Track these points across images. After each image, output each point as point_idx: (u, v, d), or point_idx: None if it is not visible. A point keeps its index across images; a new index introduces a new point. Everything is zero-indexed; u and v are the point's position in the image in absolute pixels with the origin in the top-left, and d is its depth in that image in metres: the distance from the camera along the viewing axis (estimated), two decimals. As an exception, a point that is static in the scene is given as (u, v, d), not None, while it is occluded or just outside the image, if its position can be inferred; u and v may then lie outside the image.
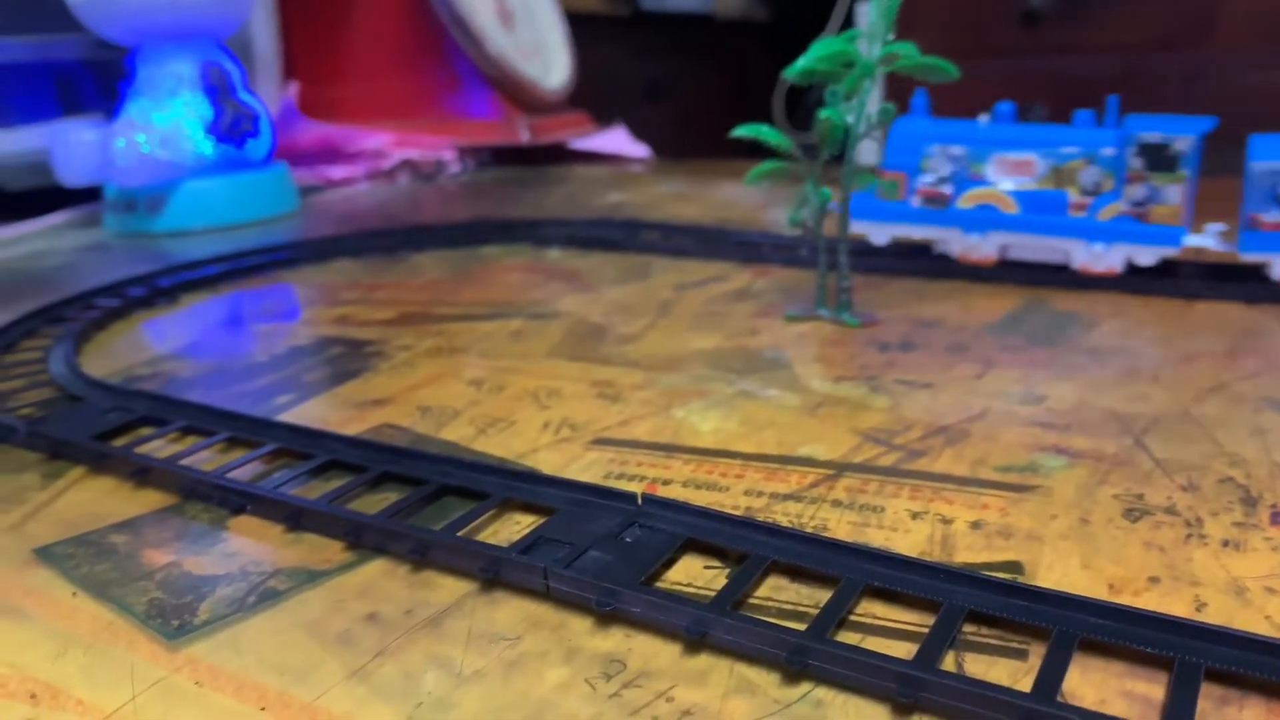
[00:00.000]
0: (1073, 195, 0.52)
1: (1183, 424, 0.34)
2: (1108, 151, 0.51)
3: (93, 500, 0.33)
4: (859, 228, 0.57)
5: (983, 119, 0.55)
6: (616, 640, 0.24)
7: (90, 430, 0.37)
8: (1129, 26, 1.12)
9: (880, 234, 0.58)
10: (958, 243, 0.56)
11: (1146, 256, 0.51)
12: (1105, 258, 0.52)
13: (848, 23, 1.33)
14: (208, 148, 0.82)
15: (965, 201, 0.55)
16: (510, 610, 0.25)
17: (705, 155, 1.14)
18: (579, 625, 0.24)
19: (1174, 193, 0.50)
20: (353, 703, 0.22)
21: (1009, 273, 0.54)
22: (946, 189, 0.55)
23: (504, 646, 0.23)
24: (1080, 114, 0.53)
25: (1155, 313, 0.47)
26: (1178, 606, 0.24)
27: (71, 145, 0.79)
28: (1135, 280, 0.51)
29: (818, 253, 0.48)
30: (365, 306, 0.56)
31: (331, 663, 0.23)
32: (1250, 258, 0.49)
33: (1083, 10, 1.14)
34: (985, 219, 0.54)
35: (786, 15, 1.77)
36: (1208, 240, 0.49)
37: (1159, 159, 0.50)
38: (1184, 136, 0.49)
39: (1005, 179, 0.54)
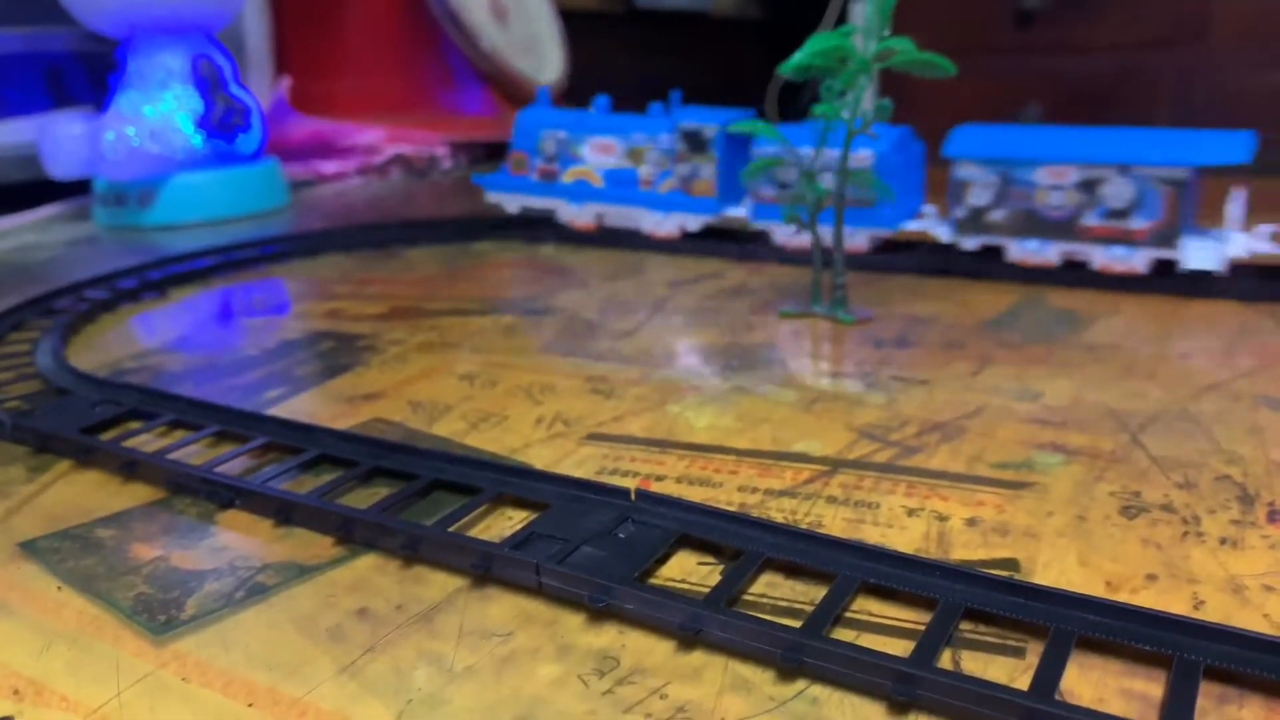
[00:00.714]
0: (642, 172, 0.65)
1: (1180, 421, 0.34)
2: (665, 138, 0.63)
3: (79, 494, 0.32)
4: (494, 199, 0.71)
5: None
6: (610, 637, 0.23)
7: (77, 424, 0.36)
8: (1124, 25, 1.12)
9: (512, 204, 0.70)
10: (565, 211, 0.68)
11: (693, 223, 0.64)
12: (665, 224, 0.65)
13: (842, 19, 1.32)
14: (198, 141, 0.81)
15: (567, 177, 0.67)
16: (502, 606, 0.25)
17: (699, 152, 1.14)
18: (572, 622, 0.24)
19: (708, 170, 0.62)
20: (343, 699, 0.21)
21: (1006, 269, 0.54)
22: (555, 166, 0.67)
23: (496, 643, 0.23)
24: (653, 106, 0.65)
25: (1153, 310, 0.47)
26: (1176, 604, 0.23)
27: (61, 138, 0.79)
28: (1134, 278, 0.50)
29: (813, 249, 0.48)
30: (357, 301, 0.56)
31: (321, 659, 0.23)
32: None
33: (1078, 9, 1.14)
34: (582, 191, 0.67)
35: (781, 12, 1.77)
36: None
37: (696, 143, 0.62)
38: (712, 125, 0.62)
39: (595, 158, 0.66)
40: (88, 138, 0.78)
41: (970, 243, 0.55)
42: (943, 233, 0.56)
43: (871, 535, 0.27)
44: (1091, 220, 0.52)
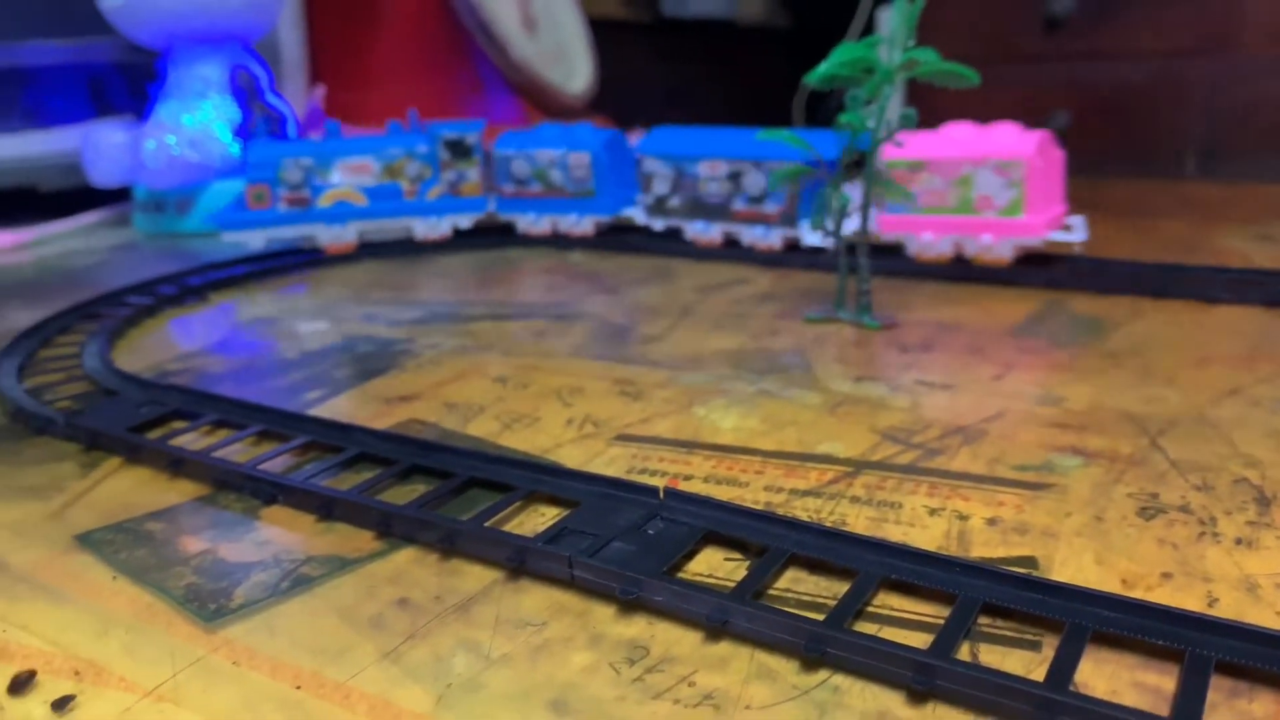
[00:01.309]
0: (404, 185, 0.70)
1: (1199, 426, 0.34)
2: (422, 149, 0.69)
3: (129, 489, 0.34)
4: (233, 238, 0.70)
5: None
6: (639, 627, 0.24)
7: (125, 423, 0.38)
8: (1154, 33, 1.12)
9: (256, 239, 0.69)
10: (324, 234, 0.70)
11: (465, 222, 0.72)
12: (439, 226, 0.71)
13: (868, 29, 1.33)
14: (236, 149, 0.83)
15: (324, 201, 0.69)
16: (536, 597, 0.26)
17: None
18: (603, 613, 0.25)
19: (474, 173, 0.71)
20: (385, 683, 0.22)
21: (1029, 276, 0.54)
22: (305, 193, 0.68)
23: (530, 632, 0.24)
24: (392, 124, 0.71)
25: (1174, 316, 0.47)
26: (1190, 602, 0.24)
27: (103, 146, 0.81)
28: (1153, 283, 0.51)
29: (838, 255, 0.49)
30: (392, 306, 0.57)
31: (364, 645, 0.24)
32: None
33: (1107, 16, 1.14)
34: (344, 212, 0.69)
35: (808, 21, 1.77)
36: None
37: (460, 150, 0.70)
38: (473, 132, 0.70)
39: (352, 179, 0.69)
40: (129, 146, 0.80)
41: (658, 224, 0.68)
42: (639, 216, 0.68)
43: (894, 534, 0.28)
44: (739, 205, 0.64)
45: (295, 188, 0.68)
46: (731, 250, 0.65)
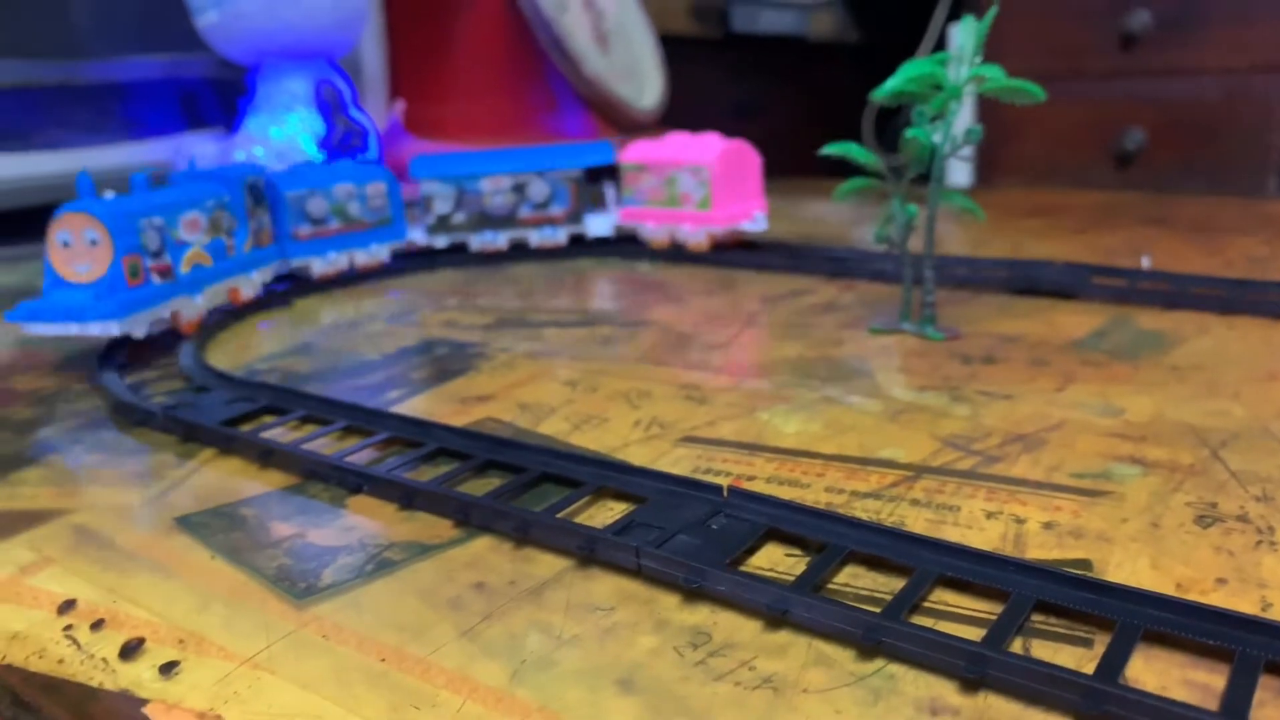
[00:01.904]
0: (226, 240, 0.58)
1: (1262, 439, 0.34)
2: (226, 197, 0.59)
3: (223, 478, 0.36)
4: (97, 328, 0.48)
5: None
6: (703, 615, 0.25)
7: (218, 417, 0.40)
8: (1233, 49, 1.10)
9: (138, 327, 0.50)
10: (188, 309, 0.54)
11: (266, 275, 0.63)
12: (254, 282, 0.61)
13: (940, 44, 1.33)
14: (320, 161, 0.86)
15: (185, 265, 0.54)
16: (605, 585, 0.27)
17: (794, 174, 1.15)
18: (668, 601, 0.26)
19: (267, 219, 0.64)
20: (463, 659, 0.24)
21: (1094, 291, 0.54)
22: (167, 260, 0.53)
23: (599, 616, 0.26)
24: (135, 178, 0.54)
25: (1242, 332, 0.47)
26: (1243, 606, 0.24)
27: (195, 158, 0.85)
28: (1220, 298, 0.51)
29: (903, 267, 0.50)
30: (467, 312, 0.59)
31: (443, 624, 0.26)
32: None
33: (1184, 31, 1.12)
34: (199, 278, 0.55)
35: (879, 37, 1.77)
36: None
37: (256, 193, 0.63)
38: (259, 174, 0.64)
39: (194, 237, 0.56)
40: (219, 157, 0.84)
41: (441, 241, 0.74)
42: (418, 236, 0.74)
43: (951, 535, 0.29)
44: (525, 212, 0.73)
45: (157, 253, 0.52)
46: (795, 260, 0.66)
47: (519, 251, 0.75)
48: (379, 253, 0.71)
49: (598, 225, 0.74)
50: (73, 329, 0.48)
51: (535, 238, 0.74)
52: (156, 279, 0.52)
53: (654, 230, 0.72)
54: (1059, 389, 0.40)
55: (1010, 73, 0.44)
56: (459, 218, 0.73)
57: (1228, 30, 1.10)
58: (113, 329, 0.48)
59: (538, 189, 0.72)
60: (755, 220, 0.70)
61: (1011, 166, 1.23)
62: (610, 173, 0.75)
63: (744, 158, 0.71)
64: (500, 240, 0.73)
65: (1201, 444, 0.34)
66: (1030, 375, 0.42)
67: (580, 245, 0.75)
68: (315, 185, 0.67)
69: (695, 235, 0.70)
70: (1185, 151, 1.13)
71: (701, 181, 0.68)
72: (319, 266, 0.67)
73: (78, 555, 0.30)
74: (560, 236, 0.74)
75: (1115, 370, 0.42)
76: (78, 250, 0.49)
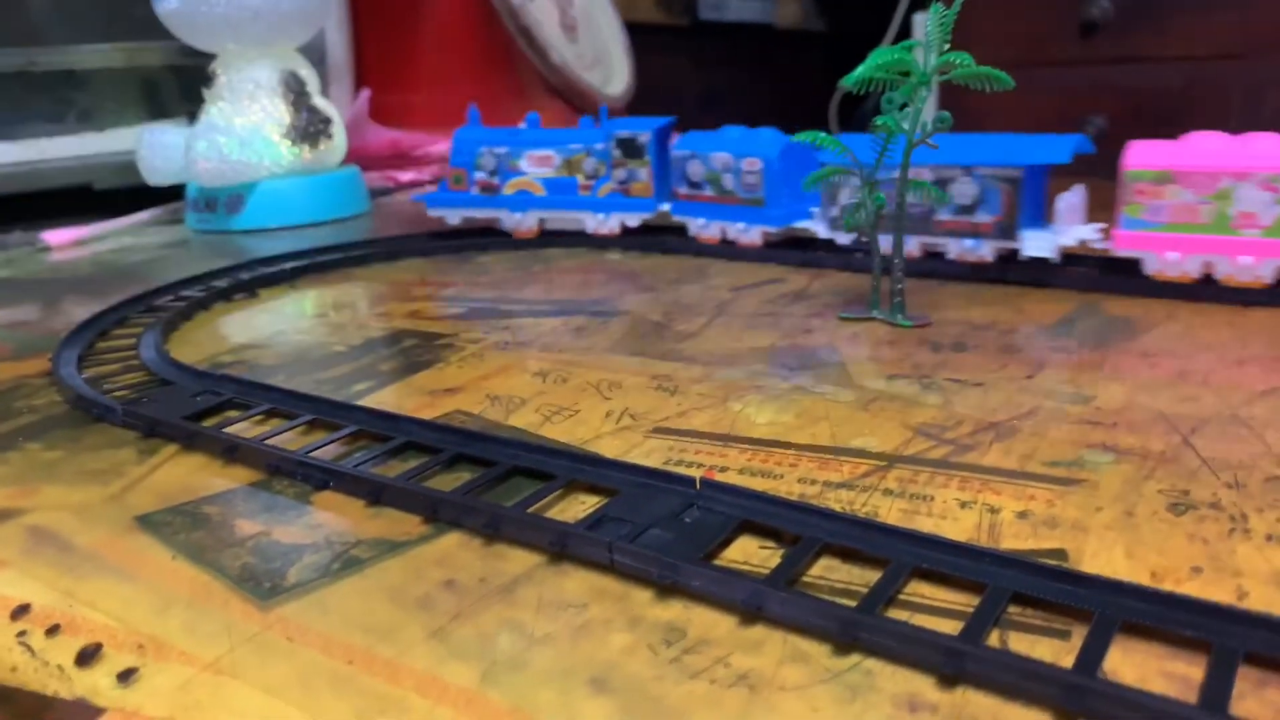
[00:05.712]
0: (580, 179, 0.71)
1: (1231, 425, 0.34)
2: (599, 146, 0.70)
3: (186, 475, 0.35)
4: (437, 213, 0.75)
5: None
6: (676, 611, 0.25)
7: (181, 411, 0.39)
8: (1192, 37, 1.11)
9: (453, 217, 0.75)
10: (508, 220, 0.74)
11: (633, 220, 0.71)
12: (607, 223, 0.72)
13: (904, 32, 1.33)
14: (283, 150, 0.85)
15: (509, 189, 0.73)
16: (577, 581, 0.27)
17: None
18: (641, 596, 0.26)
19: (643, 173, 0.70)
20: (432, 660, 0.23)
21: (1063, 278, 0.54)
22: (495, 180, 0.73)
23: (572, 613, 0.25)
24: (583, 120, 0.72)
25: (1209, 319, 0.47)
26: (1219, 595, 0.24)
27: (157, 147, 0.83)
28: (1188, 285, 0.51)
29: (872, 255, 0.50)
30: (435, 302, 0.58)
31: (412, 624, 0.25)
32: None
33: (1144, 20, 1.13)
34: (524, 200, 0.73)
35: (844, 25, 1.77)
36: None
37: (632, 149, 0.69)
38: (645, 132, 0.69)
39: (534, 170, 0.72)
40: (182, 147, 0.82)
41: (844, 238, 0.61)
42: (821, 229, 0.62)
43: (925, 525, 0.29)
44: (944, 215, 0.57)
45: (490, 173, 0.72)
46: (765, 250, 0.66)
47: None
48: (749, 234, 0.66)
49: (1037, 243, 0.54)
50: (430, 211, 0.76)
51: (955, 248, 0.57)
52: (475, 190, 0.74)
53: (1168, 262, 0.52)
54: (1030, 376, 0.40)
55: (975, 61, 0.44)
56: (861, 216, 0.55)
57: (1187, 17, 1.11)
58: (434, 213, 0.76)
59: (964, 189, 0.56)
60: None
61: (978, 154, 1.23)
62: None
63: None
64: (910, 245, 0.57)
65: (1172, 431, 0.34)
66: (1001, 363, 0.42)
67: (1010, 265, 0.57)
68: (697, 149, 0.68)
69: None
70: (1148, 138, 1.14)
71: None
72: (694, 228, 0.69)
73: (33, 557, 0.29)
74: (985, 251, 0.56)
75: (1085, 357, 0.42)
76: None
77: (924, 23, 0.44)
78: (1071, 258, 0.56)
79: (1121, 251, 0.52)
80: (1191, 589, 0.25)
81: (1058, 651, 0.23)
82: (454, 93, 1.11)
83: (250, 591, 0.27)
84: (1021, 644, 0.23)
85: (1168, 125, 1.14)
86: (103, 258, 0.79)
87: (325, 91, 0.92)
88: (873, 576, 0.26)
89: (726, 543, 0.28)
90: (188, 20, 0.82)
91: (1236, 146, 0.50)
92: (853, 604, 0.24)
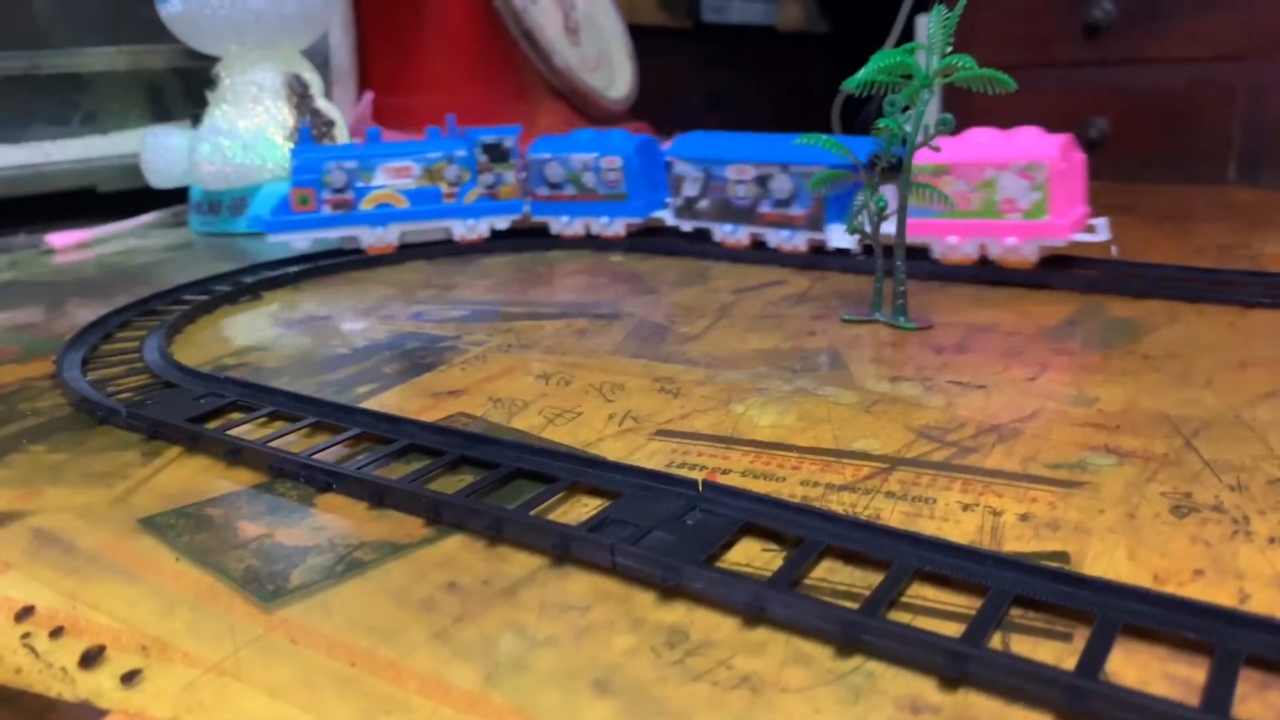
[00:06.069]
0: (444, 187, 0.71)
1: (1234, 427, 0.34)
2: (461, 154, 0.71)
3: (190, 477, 0.35)
4: (281, 238, 0.70)
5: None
6: (679, 613, 0.25)
7: (185, 414, 0.39)
8: (1196, 38, 1.11)
9: (301, 240, 0.71)
10: (367, 236, 0.71)
11: (502, 224, 0.74)
12: (477, 228, 0.73)
13: (907, 34, 1.33)
14: (287, 153, 0.85)
15: (367, 203, 0.70)
16: (580, 583, 0.27)
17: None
18: (644, 599, 0.26)
19: (510, 176, 0.72)
20: (435, 662, 0.24)
21: (1065, 280, 0.54)
22: (349, 196, 0.70)
23: (574, 615, 0.25)
24: (430, 130, 0.72)
25: (1211, 320, 0.47)
26: (1222, 597, 0.24)
27: (161, 149, 0.83)
28: (1189, 287, 0.51)
29: (875, 258, 0.50)
30: (439, 305, 0.58)
31: (415, 626, 0.25)
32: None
33: (1148, 22, 1.13)
34: (385, 214, 0.71)
35: (847, 27, 1.77)
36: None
37: (497, 154, 0.71)
38: (510, 136, 0.72)
39: (393, 181, 0.70)
40: (185, 149, 0.82)
41: (686, 226, 0.69)
42: (668, 217, 0.70)
43: (927, 528, 0.29)
44: (766, 208, 0.64)
45: (339, 190, 0.69)
46: (769, 253, 0.66)
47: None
48: (613, 225, 0.72)
49: (842, 236, 0.62)
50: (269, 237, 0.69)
51: (774, 238, 0.65)
52: (326, 209, 0.69)
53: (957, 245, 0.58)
54: (1032, 378, 0.40)
55: (977, 64, 0.44)
56: (704, 204, 0.67)
57: (1191, 19, 1.11)
58: (276, 239, 0.69)
59: (781, 184, 0.63)
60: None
61: (981, 156, 1.23)
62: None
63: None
64: (740, 234, 0.66)
65: (1175, 433, 0.34)
66: (1003, 365, 0.42)
67: (823, 255, 0.64)
68: (555, 152, 0.73)
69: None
70: (1148, 140, 1.14)
71: (1035, 185, 0.55)
72: (556, 226, 0.74)
73: (37, 559, 0.30)
74: (799, 241, 0.64)
75: (1088, 359, 0.42)
76: None
77: (927, 25, 0.44)
78: (1071, 259, 0.56)
79: (911, 239, 0.54)
80: (1194, 591, 0.25)
81: (1060, 654, 0.23)
82: (457, 96, 1.11)
83: (254, 593, 0.27)
84: (1023, 646, 0.23)
85: (1171, 126, 1.14)
86: (107, 260, 0.79)
87: (329, 94, 0.92)
88: (875, 579, 0.26)
89: (729, 545, 0.28)
90: (191, 23, 0.82)
91: (1002, 140, 0.56)
92: (855, 606, 0.24)
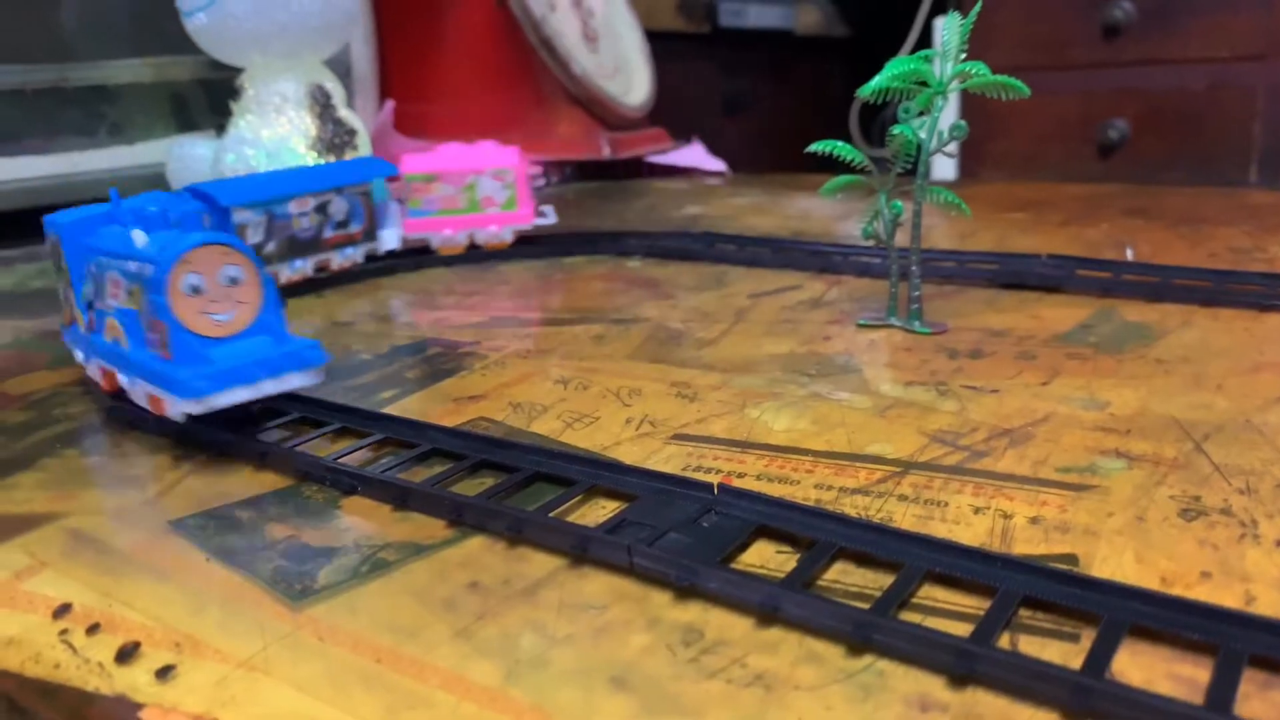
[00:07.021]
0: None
1: (1245, 432, 0.35)
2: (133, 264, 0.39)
3: (218, 480, 0.36)
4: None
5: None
6: (694, 613, 0.26)
7: (212, 419, 0.40)
8: (1216, 39, 1.10)
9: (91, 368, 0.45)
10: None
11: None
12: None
13: (925, 37, 1.33)
14: (311, 162, 0.86)
15: (108, 334, 0.42)
16: (597, 583, 0.27)
17: (781, 169, 1.16)
18: (660, 598, 0.26)
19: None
20: (457, 659, 0.24)
21: (1081, 284, 0.55)
22: (94, 315, 0.43)
23: (592, 614, 0.26)
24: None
25: (1225, 324, 0.48)
26: (1228, 600, 0.25)
27: (186, 159, 0.85)
28: (1205, 290, 0.51)
29: (890, 262, 0.50)
30: (459, 311, 0.59)
31: (437, 624, 0.26)
32: None
33: (1167, 23, 1.13)
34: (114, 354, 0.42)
35: (866, 32, 1.77)
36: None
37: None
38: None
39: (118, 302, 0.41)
40: (211, 159, 0.84)
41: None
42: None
43: (939, 530, 0.29)
44: (329, 233, 0.67)
45: (91, 303, 0.43)
46: (783, 256, 0.66)
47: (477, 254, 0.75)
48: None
49: (389, 239, 0.71)
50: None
51: (337, 259, 0.67)
52: (83, 330, 0.44)
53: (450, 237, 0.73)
54: (1045, 383, 0.41)
55: (995, 67, 0.44)
56: (270, 247, 0.63)
57: (1210, 20, 1.11)
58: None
59: (338, 206, 0.66)
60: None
61: (996, 160, 1.23)
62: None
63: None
64: (306, 266, 0.65)
65: (1185, 437, 0.35)
66: (1017, 369, 0.43)
67: (375, 261, 0.70)
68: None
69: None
70: (1168, 142, 1.14)
71: (506, 184, 0.73)
72: None
73: (73, 559, 0.31)
74: (358, 255, 0.69)
75: (1101, 363, 0.43)
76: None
77: (943, 29, 0.45)
78: (1084, 262, 0.56)
79: (411, 235, 0.72)
80: (1201, 594, 0.25)
81: (1066, 653, 0.23)
82: (477, 104, 1.13)
83: (282, 593, 0.28)
84: (1031, 646, 0.23)
85: (1191, 128, 1.14)
86: (134, 268, 0.80)
87: (351, 104, 0.93)
88: (886, 580, 0.26)
89: (744, 547, 0.29)
90: (216, 35, 0.83)
91: (474, 152, 0.73)
92: (866, 606, 0.24)
